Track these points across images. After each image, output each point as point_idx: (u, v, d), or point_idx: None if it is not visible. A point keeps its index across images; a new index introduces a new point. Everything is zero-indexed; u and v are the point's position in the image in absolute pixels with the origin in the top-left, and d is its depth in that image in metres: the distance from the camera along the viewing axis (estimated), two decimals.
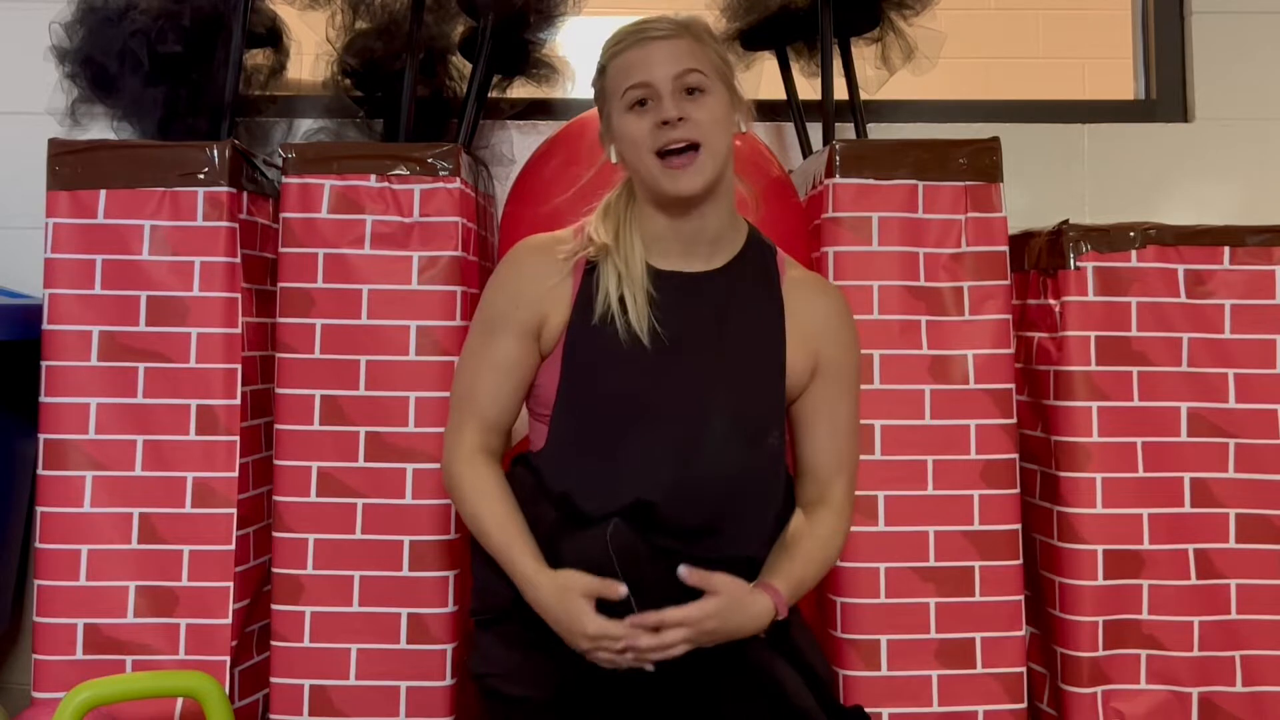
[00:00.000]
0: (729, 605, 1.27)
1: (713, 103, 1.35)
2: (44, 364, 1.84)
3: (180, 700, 1.77)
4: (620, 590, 1.26)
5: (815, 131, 2.28)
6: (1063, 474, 1.87)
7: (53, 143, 1.88)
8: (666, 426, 1.34)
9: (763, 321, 1.41)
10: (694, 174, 1.33)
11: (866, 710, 1.40)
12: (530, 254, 1.44)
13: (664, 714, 1.29)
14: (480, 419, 1.42)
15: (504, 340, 1.40)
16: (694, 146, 1.33)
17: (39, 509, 1.83)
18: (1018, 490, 1.86)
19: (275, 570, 1.81)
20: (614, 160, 1.42)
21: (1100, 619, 1.84)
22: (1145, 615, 1.85)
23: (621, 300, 1.36)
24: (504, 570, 1.35)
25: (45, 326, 1.84)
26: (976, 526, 1.83)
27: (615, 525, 1.29)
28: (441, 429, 1.77)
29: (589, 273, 1.40)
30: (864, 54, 2.26)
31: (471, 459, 1.41)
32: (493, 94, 2.28)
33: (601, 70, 1.40)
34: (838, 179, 1.87)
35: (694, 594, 1.28)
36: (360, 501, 1.80)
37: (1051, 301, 1.91)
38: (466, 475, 1.40)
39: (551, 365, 1.40)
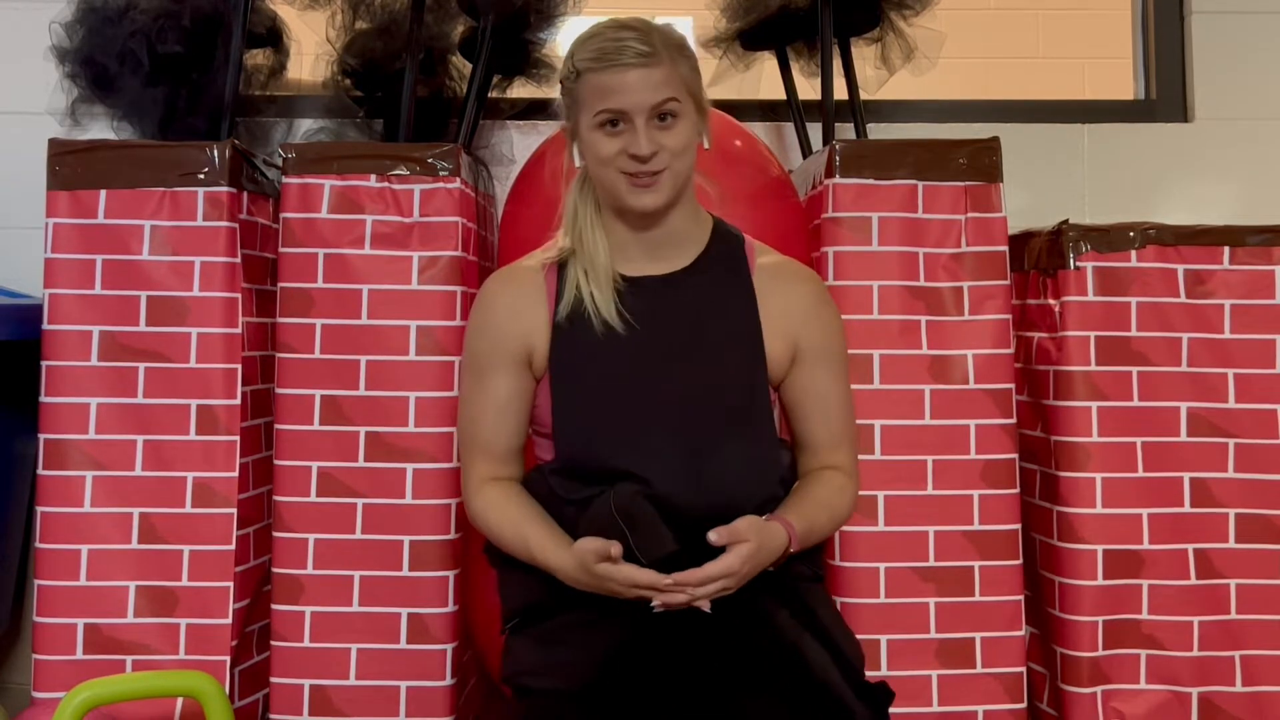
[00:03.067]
0: (759, 548, 1.30)
1: (682, 127, 1.36)
2: (44, 364, 1.84)
3: (180, 700, 1.77)
4: (615, 550, 1.27)
5: (815, 131, 2.28)
6: (1063, 474, 1.87)
7: (53, 143, 1.88)
8: (661, 434, 1.36)
9: (737, 312, 1.43)
10: (656, 193, 1.36)
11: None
12: (500, 286, 1.46)
13: (692, 696, 1.30)
14: (487, 455, 1.44)
15: (495, 379, 1.42)
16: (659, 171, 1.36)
17: (39, 509, 1.83)
18: (1018, 490, 1.86)
19: (275, 570, 1.81)
20: (577, 163, 1.43)
21: (1100, 619, 1.84)
22: (1145, 615, 1.85)
23: (593, 296, 1.39)
24: (536, 569, 1.37)
25: (45, 326, 1.84)
26: (976, 526, 1.83)
27: (616, 490, 1.32)
28: (441, 428, 1.78)
29: (561, 275, 1.43)
30: (864, 54, 2.26)
31: (481, 489, 1.43)
32: (493, 94, 2.28)
33: (574, 74, 1.38)
34: (838, 179, 1.87)
35: (695, 537, 1.30)
36: (360, 501, 1.80)
37: (1051, 301, 1.91)
38: (478, 504, 1.43)
39: (545, 385, 1.42)
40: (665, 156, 1.35)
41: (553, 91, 2.35)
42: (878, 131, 2.33)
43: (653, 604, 1.28)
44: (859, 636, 1.79)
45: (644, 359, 1.38)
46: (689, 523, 1.31)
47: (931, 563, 1.82)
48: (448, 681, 1.79)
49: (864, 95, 2.24)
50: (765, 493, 1.39)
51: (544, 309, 1.42)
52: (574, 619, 1.35)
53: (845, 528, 1.76)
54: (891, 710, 1.35)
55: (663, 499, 1.33)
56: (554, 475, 1.41)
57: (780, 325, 1.43)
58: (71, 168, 1.86)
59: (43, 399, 1.84)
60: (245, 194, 1.90)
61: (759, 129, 2.37)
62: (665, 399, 1.37)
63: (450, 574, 1.80)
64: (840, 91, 2.16)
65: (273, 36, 2.29)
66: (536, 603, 1.40)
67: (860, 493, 1.77)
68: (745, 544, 1.28)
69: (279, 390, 1.82)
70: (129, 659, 1.80)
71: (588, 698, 1.30)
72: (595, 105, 1.35)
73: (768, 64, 2.36)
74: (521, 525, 1.38)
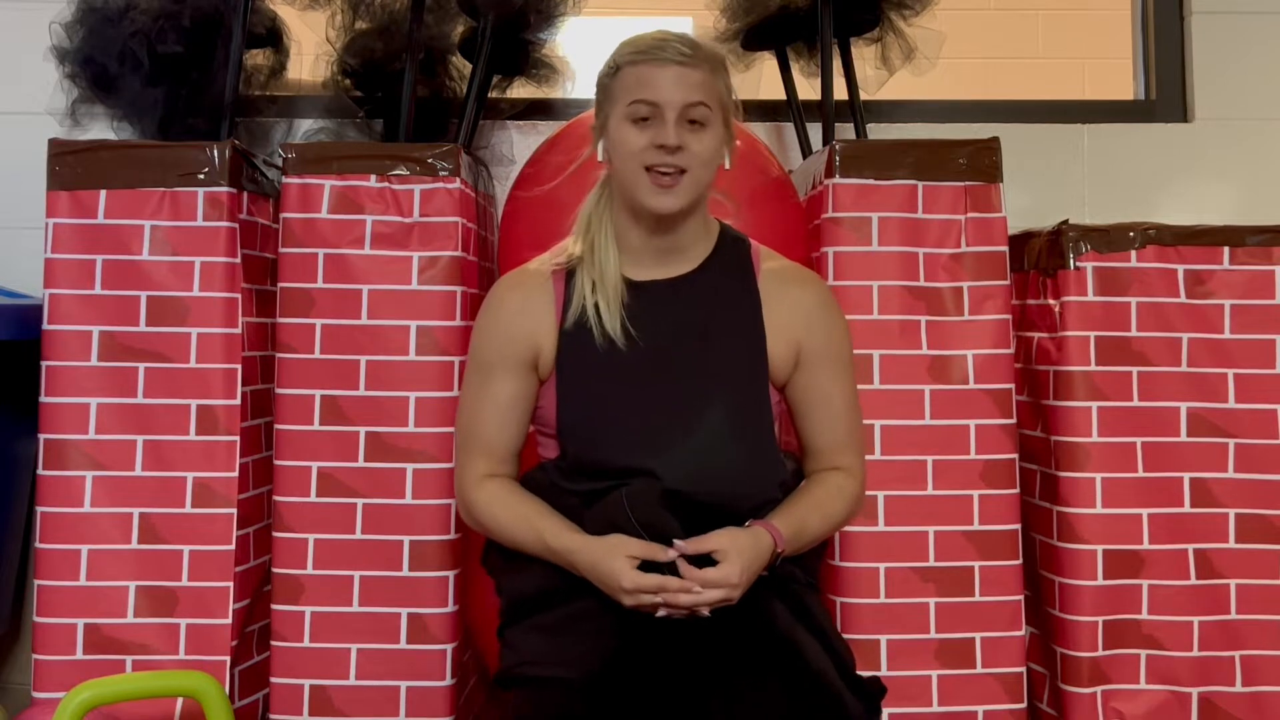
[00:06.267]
0: (748, 561, 1.32)
1: (708, 138, 1.39)
2: (44, 364, 1.84)
3: (180, 700, 1.77)
4: (670, 554, 1.30)
5: (815, 131, 2.28)
6: (1062, 474, 1.87)
7: (53, 143, 1.88)
8: (666, 434, 1.37)
9: (742, 316, 1.44)
10: (675, 195, 1.38)
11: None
12: (509, 290, 1.47)
13: (689, 687, 1.31)
14: (487, 454, 1.45)
15: (500, 381, 1.43)
16: (681, 171, 1.37)
17: (39, 509, 1.83)
18: (1017, 490, 1.86)
19: (275, 570, 1.81)
20: (600, 158, 1.44)
21: (1100, 619, 1.84)
22: (1145, 615, 1.85)
23: (596, 307, 1.40)
24: (544, 561, 1.38)
25: (45, 326, 1.84)
26: (976, 526, 1.83)
27: (629, 491, 1.34)
28: (441, 428, 1.78)
29: (570, 283, 1.44)
30: (864, 54, 2.26)
31: (481, 484, 1.44)
32: (493, 94, 2.28)
33: (614, 69, 1.41)
34: (838, 179, 1.87)
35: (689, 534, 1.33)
36: (360, 501, 1.80)
37: (1051, 301, 1.91)
38: (480, 499, 1.43)
39: (550, 386, 1.43)
40: (689, 158, 1.37)
41: (553, 91, 2.36)
42: (878, 131, 2.33)
43: (659, 612, 1.30)
44: (859, 636, 1.81)
45: (649, 362, 1.40)
46: (686, 521, 1.33)
47: (931, 563, 1.82)
48: (448, 681, 1.79)
49: (864, 95, 2.24)
50: (763, 495, 1.40)
51: (552, 314, 1.43)
52: (578, 609, 1.36)
53: (845, 528, 1.76)
54: (891, 710, 1.35)
55: (666, 497, 1.34)
56: (558, 471, 1.42)
57: (784, 329, 1.44)
58: (71, 168, 1.86)
59: (43, 399, 1.84)
60: (245, 194, 1.90)
61: (759, 129, 2.37)
62: (670, 401, 1.38)
63: (450, 574, 1.80)
64: (840, 91, 2.16)
65: (273, 36, 2.29)
66: (550, 588, 1.39)
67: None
68: (734, 561, 1.30)
69: (279, 390, 1.82)
70: (129, 659, 1.80)
71: (593, 688, 1.31)
72: (630, 95, 1.37)
73: (768, 64, 2.36)
74: (533, 519, 1.39)
